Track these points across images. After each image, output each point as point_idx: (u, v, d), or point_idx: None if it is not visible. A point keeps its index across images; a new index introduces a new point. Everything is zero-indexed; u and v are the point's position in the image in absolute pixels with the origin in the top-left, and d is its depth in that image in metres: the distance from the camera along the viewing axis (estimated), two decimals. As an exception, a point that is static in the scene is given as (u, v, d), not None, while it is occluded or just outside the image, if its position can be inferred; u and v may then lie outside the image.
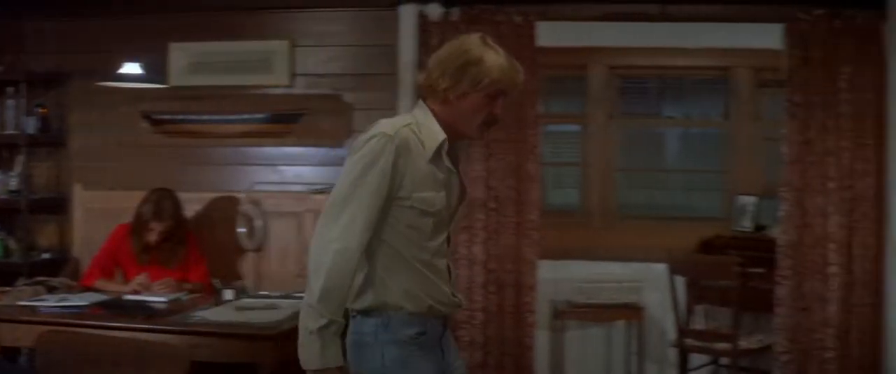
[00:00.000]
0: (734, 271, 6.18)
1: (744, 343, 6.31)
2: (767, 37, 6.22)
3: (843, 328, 6.11)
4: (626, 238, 7.09)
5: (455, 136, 3.47)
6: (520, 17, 6.25)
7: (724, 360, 6.64)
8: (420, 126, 3.42)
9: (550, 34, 6.43)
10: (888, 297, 5.98)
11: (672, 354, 6.69)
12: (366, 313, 3.39)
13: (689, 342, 6.45)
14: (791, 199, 6.10)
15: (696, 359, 6.67)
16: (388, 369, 3.36)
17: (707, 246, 6.99)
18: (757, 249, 6.69)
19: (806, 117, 6.07)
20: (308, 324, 3.23)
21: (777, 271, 6.16)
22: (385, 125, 3.35)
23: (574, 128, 7.60)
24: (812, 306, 6.13)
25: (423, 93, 3.50)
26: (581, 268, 6.93)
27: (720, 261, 6.43)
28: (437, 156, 3.40)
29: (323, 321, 3.21)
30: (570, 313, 6.84)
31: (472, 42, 3.45)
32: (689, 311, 6.55)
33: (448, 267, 3.51)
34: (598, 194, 7.30)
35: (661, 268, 6.49)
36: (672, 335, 6.61)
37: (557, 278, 6.78)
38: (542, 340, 6.78)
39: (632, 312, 6.80)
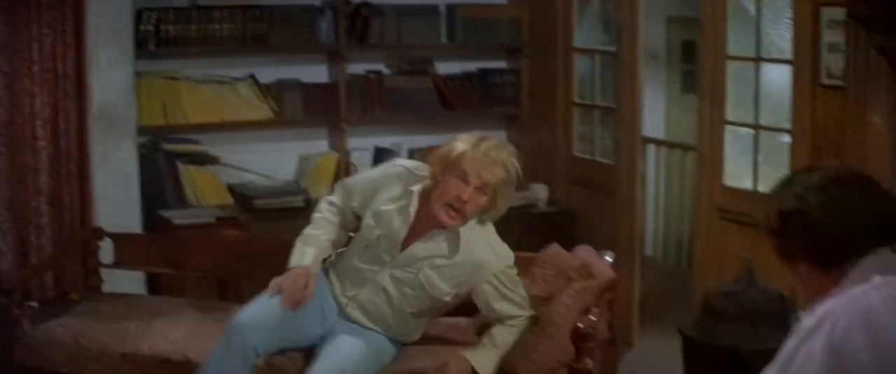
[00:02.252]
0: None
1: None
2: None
3: (56, 196, 6.51)
4: None
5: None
6: None
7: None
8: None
9: None
10: (93, 165, 6.57)
11: None
12: None
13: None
14: (1, 83, 6.35)
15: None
16: None
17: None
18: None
19: (11, 10, 6.30)
20: None
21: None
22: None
23: None
24: (26, 178, 6.44)
25: None
26: None
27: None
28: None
29: None
30: None
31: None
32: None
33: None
34: None
35: None
36: None
37: None
38: None
39: None
